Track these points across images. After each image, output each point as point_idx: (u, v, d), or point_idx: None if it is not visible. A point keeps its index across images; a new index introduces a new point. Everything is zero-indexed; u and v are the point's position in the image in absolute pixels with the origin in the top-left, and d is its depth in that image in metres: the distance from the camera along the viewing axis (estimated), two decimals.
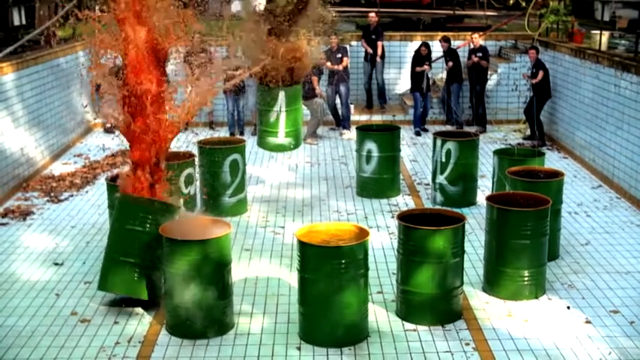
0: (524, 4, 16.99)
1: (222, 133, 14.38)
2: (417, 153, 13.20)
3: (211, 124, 15.08)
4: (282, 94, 9.59)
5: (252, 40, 9.01)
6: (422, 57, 14.54)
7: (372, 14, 15.47)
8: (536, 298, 7.42)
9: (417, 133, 14.46)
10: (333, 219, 9.68)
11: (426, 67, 14.35)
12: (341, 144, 13.93)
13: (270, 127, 10.01)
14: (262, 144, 9.84)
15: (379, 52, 15.04)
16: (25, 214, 9.97)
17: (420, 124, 14.63)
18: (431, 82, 14.98)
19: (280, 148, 9.93)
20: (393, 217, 9.78)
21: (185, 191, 9.10)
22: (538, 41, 14.96)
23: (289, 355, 6.45)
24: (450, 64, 14.48)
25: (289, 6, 8.88)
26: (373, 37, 15.11)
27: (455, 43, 15.21)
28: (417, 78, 14.46)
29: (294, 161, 12.58)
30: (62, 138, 13.20)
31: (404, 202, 10.49)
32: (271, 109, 9.65)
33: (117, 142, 13.99)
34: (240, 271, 7.96)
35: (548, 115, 14.12)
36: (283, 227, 9.48)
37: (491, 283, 7.52)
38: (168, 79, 7.55)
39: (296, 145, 9.94)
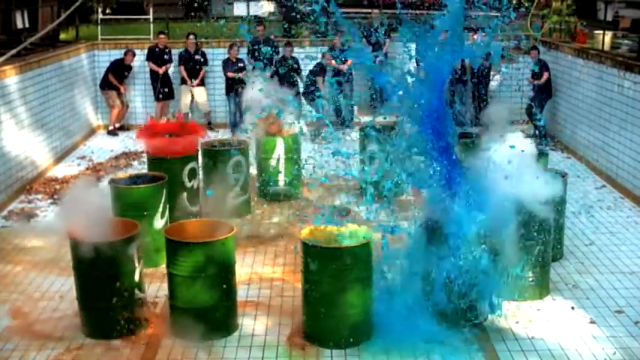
0: (526, 4, 16.97)
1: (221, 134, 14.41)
2: None
3: (209, 125, 15.11)
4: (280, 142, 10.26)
5: None
6: None
7: (376, 10, 15.53)
8: (541, 298, 7.41)
9: None
10: (337, 220, 9.64)
11: None
12: (344, 145, 13.88)
13: (270, 175, 10.27)
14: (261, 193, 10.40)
15: (386, 49, 15.07)
16: (28, 216, 9.98)
17: None
18: None
19: (279, 196, 10.41)
20: (396, 217, 9.76)
21: (188, 185, 9.12)
22: (541, 41, 14.95)
23: (293, 356, 6.44)
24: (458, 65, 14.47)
25: None
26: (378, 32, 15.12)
27: None
28: None
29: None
30: (66, 140, 13.21)
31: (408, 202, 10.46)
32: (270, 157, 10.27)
33: (121, 144, 14.06)
34: (244, 272, 7.96)
35: (551, 115, 14.11)
36: (287, 228, 9.47)
37: None
38: None
39: (296, 194, 10.52)
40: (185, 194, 9.10)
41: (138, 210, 7.94)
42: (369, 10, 17.18)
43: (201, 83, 14.86)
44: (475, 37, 14.60)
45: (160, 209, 8.18)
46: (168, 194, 8.38)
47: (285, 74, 14.05)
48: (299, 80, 14.21)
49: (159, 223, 8.15)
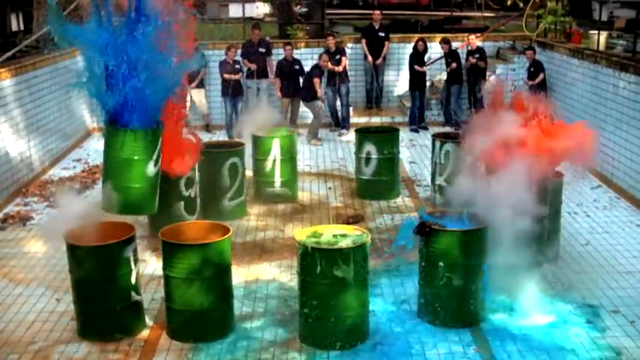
0: (521, 4, 17.01)
1: (220, 136, 14.41)
2: (416, 154, 13.20)
3: (207, 127, 15.09)
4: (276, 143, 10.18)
5: None
6: (420, 53, 14.59)
7: (377, 12, 15.52)
8: (537, 298, 7.41)
9: (415, 130, 14.60)
10: (333, 222, 9.66)
11: (422, 68, 14.44)
12: (340, 146, 13.94)
13: (266, 176, 10.26)
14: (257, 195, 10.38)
15: (385, 50, 15.10)
16: (24, 219, 9.96)
17: (417, 122, 14.75)
18: (428, 83, 15.02)
19: (276, 198, 10.38)
20: (392, 219, 9.79)
21: (185, 194, 9.08)
22: (536, 42, 14.97)
23: (290, 358, 6.45)
24: (454, 65, 14.50)
25: None
26: (381, 34, 15.10)
27: (453, 45, 15.23)
28: (415, 76, 14.53)
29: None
30: (61, 143, 13.19)
31: (403, 203, 10.49)
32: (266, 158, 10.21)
33: None
34: (240, 274, 7.96)
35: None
36: (283, 230, 9.48)
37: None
38: None
39: (292, 195, 10.44)
40: (182, 203, 9.05)
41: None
42: (366, 12, 17.18)
43: (200, 85, 14.84)
44: (471, 37, 14.76)
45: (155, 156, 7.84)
46: (164, 204, 8.26)
47: (289, 77, 14.07)
48: (301, 81, 14.21)
49: (151, 170, 7.77)
